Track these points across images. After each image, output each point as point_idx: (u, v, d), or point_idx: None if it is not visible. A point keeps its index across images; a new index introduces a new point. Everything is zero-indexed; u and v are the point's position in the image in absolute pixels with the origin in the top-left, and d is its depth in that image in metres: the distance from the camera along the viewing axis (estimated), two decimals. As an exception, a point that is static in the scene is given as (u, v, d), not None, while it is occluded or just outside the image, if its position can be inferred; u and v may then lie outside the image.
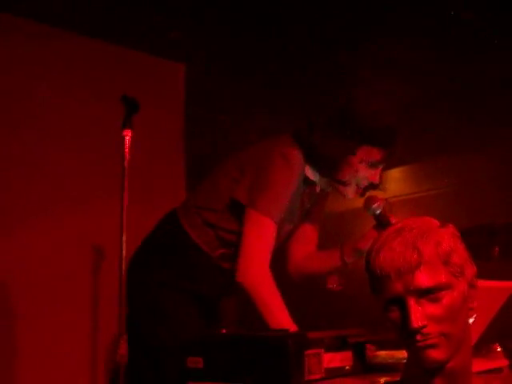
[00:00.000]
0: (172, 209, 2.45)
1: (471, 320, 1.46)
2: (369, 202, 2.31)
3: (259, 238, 2.19)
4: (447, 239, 1.38)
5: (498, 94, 4.48)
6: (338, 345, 1.83)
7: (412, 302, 1.34)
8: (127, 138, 2.24)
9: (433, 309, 1.34)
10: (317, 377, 1.73)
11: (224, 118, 4.51)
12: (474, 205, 5.41)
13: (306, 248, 2.55)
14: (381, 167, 2.37)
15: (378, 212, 2.29)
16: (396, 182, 6.32)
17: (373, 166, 2.32)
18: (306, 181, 2.36)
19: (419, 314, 1.33)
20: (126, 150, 2.24)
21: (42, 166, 3.27)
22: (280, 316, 2.09)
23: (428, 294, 1.34)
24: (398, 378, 1.54)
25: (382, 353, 2.06)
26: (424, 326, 1.33)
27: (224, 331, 2.05)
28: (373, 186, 2.40)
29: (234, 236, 2.29)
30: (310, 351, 1.71)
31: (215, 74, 4.20)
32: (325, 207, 2.63)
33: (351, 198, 2.42)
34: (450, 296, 1.35)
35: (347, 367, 1.85)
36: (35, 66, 3.29)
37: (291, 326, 2.00)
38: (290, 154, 2.26)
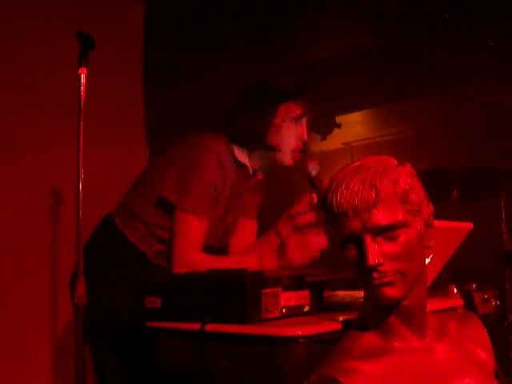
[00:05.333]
0: (107, 214, 2.42)
1: (428, 259, 1.48)
2: (305, 164, 2.31)
3: (186, 237, 2.18)
4: (405, 177, 1.38)
5: (460, 41, 4.49)
6: (296, 284, 1.83)
7: (368, 240, 1.34)
8: (83, 75, 2.17)
9: (389, 247, 1.34)
10: (274, 315, 1.73)
11: (184, 60, 4.44)
12: (436, 149, 5.48)
13: (245, 242, 2.52)
14: (305, 121, 2.37)
15: (314, 174, 2.29)
16: (357, 125, 6.34)
17: (297, 121, 2.34)
18: (238, 164, 2.34)
19: (375, 251, 1.33)
20: (82, 88, 2.18)
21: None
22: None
23: (385, 232, 1.34)
24: (355, 316, 1.56)
25: (340, 292, 2.09)
26: (380, 264, 1.33)
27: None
28: (306, 152, 2.41)
29: (166, 232, 2.27)
30: (267, 290, 1.72)
31: (175, 15, 4.12)
32: (261, 201, 2.62)
33: (292, 166, 2.40)
34: (406, 234, 1.35)
35: (305, 306, 1.86)
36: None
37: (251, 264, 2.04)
38: (210, 142, 2.26)
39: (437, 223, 1.47)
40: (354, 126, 6.17)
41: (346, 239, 1.37)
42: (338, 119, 5.80)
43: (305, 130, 2.36)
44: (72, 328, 2.20)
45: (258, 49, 4.58)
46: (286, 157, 2.36)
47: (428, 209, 1.42)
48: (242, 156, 2.35)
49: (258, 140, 2.32)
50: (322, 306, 1.92)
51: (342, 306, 1.92)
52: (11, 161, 3.20)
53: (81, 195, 2.20)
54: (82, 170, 2.19)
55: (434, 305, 1.88)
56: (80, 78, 2.16)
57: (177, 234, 2.19)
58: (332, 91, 4.85)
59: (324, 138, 5.66)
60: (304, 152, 2.39)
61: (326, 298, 1.98)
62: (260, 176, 2.51)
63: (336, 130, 5.78)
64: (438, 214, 1.51)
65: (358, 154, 6.30)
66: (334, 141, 5.99)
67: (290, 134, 2.33)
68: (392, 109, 6.04)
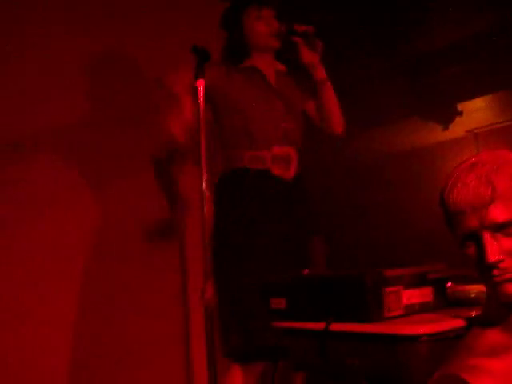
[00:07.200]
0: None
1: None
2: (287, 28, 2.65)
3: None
4: (522, 172, 1.35)
5: None
6: (418, 281, 1.83)
7: (487, 237, 1.33)
8: (201, 87, 2.25)
9: (509, 243, 1.33)
10: (396, 314, 1.75)
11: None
12: None
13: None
14: (265, 13, 2.71)
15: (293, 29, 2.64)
16: (481, 111, 6.12)
17: (259, 17, 2.69)
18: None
19: (495, 248, 1.32)
20: (201, 100, 2.26)
21: (107, 130, 3.27)
22: None
23: (503, 228, 1.33)
24: (479, 312, 1.54)
25: (463, 287, 2.05)
26: (500, 261, 1.32)
27: (306, 272, 2.10)
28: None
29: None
30: (388, 289, 1.73)
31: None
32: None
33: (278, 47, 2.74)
34: (525, 230, 1.33)
35: (428, 303, 1.86)
36: (102, 17, 3.28)
37: None
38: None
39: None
40: (477, 112, 5.97)
41: (465, 237, 1.37)
42: (460, 106, 5.64)
43: (270, 19, 2.70)
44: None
45: (374, 40, 4.52)
46: (269, 41, 2.69)
47: (548, 202, 1.38)
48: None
49: (241, 45, 2.71)
50: (446, 302, 1.91)
51: (468, 301, 1.90)
52: (133, 174, 3.31)
53: (206, 200, 2.29)
54: (205, 182, 2.28)
55: None
56: (198, 91, 2.25)
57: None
58: (452, 78, 4.72)
59: (446, 127, 5.53)
60: (281, 34, 2.69)
61: (451, 292, 1.96)
62: (281, 67, 2.83)
63: (458, 118, 5.63)
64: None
65: (483, 141, 6.10)
66: (457, 129, 5.83)
67: (260, 27, 2.68)
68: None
